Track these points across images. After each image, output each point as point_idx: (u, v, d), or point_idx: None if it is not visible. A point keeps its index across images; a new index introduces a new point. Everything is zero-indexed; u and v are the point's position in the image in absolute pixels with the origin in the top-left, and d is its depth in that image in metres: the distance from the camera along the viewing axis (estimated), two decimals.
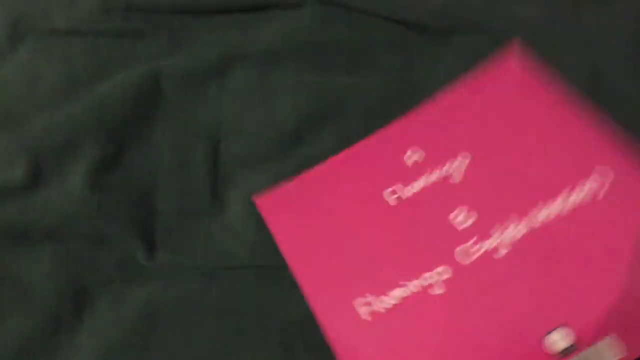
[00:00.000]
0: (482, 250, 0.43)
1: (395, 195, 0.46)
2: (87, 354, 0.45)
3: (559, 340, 0.39)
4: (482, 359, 0.40)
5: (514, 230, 0.43)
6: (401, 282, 0.43)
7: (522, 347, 0.40)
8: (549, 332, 0.39)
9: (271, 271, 0.45)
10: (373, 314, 0.42)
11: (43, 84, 0.55)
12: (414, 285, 0.42)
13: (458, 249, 0.43)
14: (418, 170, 0.47)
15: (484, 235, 0.43)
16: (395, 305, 0.42)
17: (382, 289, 0.43)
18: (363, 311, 0.42)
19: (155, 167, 0.50)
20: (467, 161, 0.47)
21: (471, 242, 0.43)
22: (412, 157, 0.48)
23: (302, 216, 0.47)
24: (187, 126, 0.52)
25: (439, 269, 0.42)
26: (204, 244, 0.48)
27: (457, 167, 0.47)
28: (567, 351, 0.39)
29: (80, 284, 0.47)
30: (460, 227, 0.44)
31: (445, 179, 0.46)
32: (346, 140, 0.49)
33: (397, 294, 0.42)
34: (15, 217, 0.49)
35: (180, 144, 0.51)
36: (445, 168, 0.47)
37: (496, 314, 0.41)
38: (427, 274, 0.42)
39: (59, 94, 0.54)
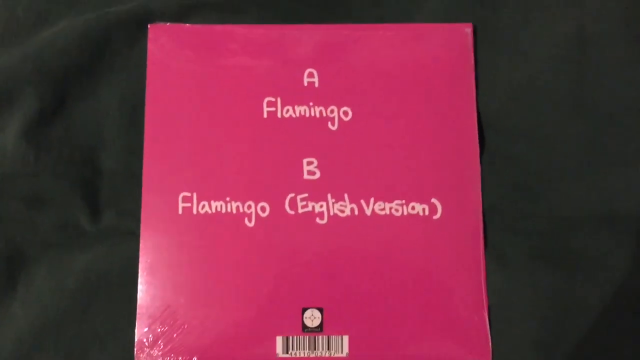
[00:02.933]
0: (308, 209, 0.44)
1: (271, 109, 0.46)
2: (21, 325, 0.44)
3: (309, 317, 0.42)
4: (248, 306, 0.44)
5: (343, 207, 0.44)
6: (227, 198, 0.45)
7: (281, 311, 0.44)
8: (306, 308, 0.42)
9: None
10: (186, 210, 0.45)
11: None
12: (234, 206, 0.45)
13: (290, 195, 0.44)
14: (308, 95, 0.47)
15: (318, 197, 0.44)
16: (208, 214, 0.45)
17: (207, 195, 0.45)
18: (180, 205, 0.45)
19: (100, 123, 0.47)
20: (349, 117, 0.45)
21: (304, 195, 0.44)
22: (310, 78, 0.47)
23: (183, 70, 0.47)
24: (137, 80, 0.47)
25: (262, 204, 0.44)
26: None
27: (339, 116, 0.45)
28: (312, 329, 0.42)
29: (16, 249, 0.45)
30: (304, 177, 0.44)
31: (325, 120, 0.46)
32: None
33: (217, 205, 0.45)
34: None
35: (129, 98, 0.47)
36: (329, 109, 0.45)
37: (277, 273, 0.44)
38: (250, 202, 0.44)
39: None
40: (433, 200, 0.45)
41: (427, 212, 0.45)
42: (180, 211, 0.45)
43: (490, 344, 0.44)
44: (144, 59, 0.48)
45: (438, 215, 0.45)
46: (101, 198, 0.46)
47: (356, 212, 0.45)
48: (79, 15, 0.48)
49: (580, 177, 0.45)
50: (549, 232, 0.45)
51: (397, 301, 0.44)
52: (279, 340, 0.44)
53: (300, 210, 0.45)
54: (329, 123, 0.46)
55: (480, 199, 0.45)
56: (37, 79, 0.47)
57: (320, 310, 0.44)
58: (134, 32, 0.48)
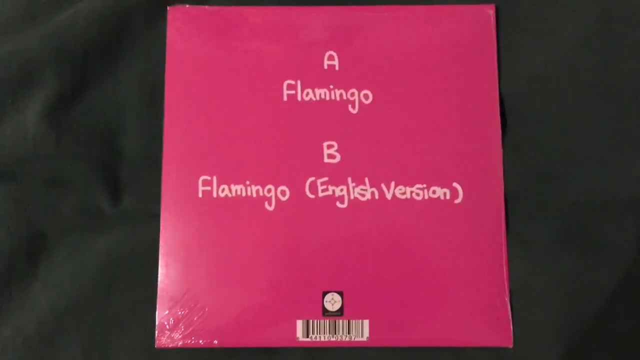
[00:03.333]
0: (329, 193, 0.44)
1: (291, 91, 0.46)
2: (43, 307, 0.44)
3: (329, 301, 0.42)
4: (268, 289, 0.44)
5: (364, 191, 0.43)
6: (247, 181, 0.45)
7: (302, 295, 0.44)
8: (326, 292, 0.42)
9: None
10: (206, 194, 0.45)
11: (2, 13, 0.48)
12: (254, 190, 0.44)
13: (310, 179, 0.44)
14: (328, 77, 0.46)
15: (338, 181, 0.44)
16: (228, 197, 0.45)
17: (227, 178, 0.45)
18: (200, 189, 0.45)
19: (120, 106, 0.47)
20: (370, 100, 0.45)
21: (325, 179, 0.44)
22: (330, 61, 0.46)
23: (202, 52, 0.47)
24: (156, 61, 0.47)
25: (282, 187, 0.44)
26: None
27: (359, 99, 0.45)
28: (333, 313, 0.42)
29: (37, 231, 0.45)
30: (325, 160, 0.44)
31: (345, 103, 0.45)
32: None
33: (237, 189, 0.45)
34: None
35: (149, 81, 0.47)
36: (350, 92, 0.45)
37: (297, 256, 0.44)
38: (270, 186, 0.44)
39: (16, 21, 0.48)
40: (454, 184, 0.45)
41: (448, 197, 0.45)
42: (200, 194, 0.45)
43: (511, 329, 0.43)
44: (163, 40, 0.47)
45: (459, 200, 0.45)
46: (121, 181, 0.46)
47: (377, 196, 0.45)
48: None
49: (604, 162, 0.45)
50: (571, 217, 0.45)
51: (418, 285, 0.44)
52: (300, 324, 0.44)
53: (320, 194, 0.45)
54: (350, 106, 0.46)
55: (502, 183, 0.45)
56: (56, 61, 0.47)
57: (341, 294, 0.44)
58: (153, 13, 0.48)
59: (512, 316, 0.44)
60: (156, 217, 0.45)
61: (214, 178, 0.45)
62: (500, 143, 0.45)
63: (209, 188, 0.45)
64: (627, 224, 0.44)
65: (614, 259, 0.44)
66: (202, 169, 0.46)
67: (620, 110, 0.45)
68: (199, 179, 0.45)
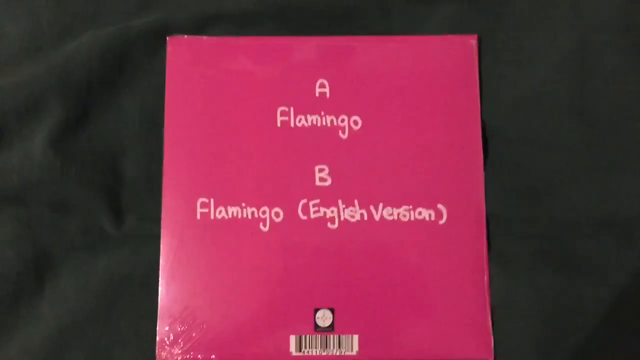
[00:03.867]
0: (320, 214, 0.46)
1: (285, 118, 0.49)
2: (49, 324, 0.46)
3: (321, 317, 0.44)
4: (263, 306, 0.47)
5: (353, 212, 0.46)
6: (242, 203, 0.47)
7: (295, 312, 0.46)
8: (318, 308, 0.45)
9: None
10: (204, 216, 0.47)
11: (6, 41, 0.51)
12: (249, 212, 0.47)
13: (302, 201, 0.46)
14: (320, 104, 0.49)
15: (329, 202, 0.46)
16: (225, 219, 0.47)
17: (224, 201, 0.48)
18: (198, 211, 0.47)
19: (122, 132, 0.49)
20: (359, 126, 0.47)
21: (316, 201, 0.46)
22: (322, 88, 0.49)
23: (200, 80, 0.50)
24: (156, 89, 0.50)
25: (276, 209, 0.46)
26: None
27: (349, 125, 0.48)
28: (324, 329, 0.44)
29: (43, 251, 0.48)
30: (317, 183, 0.47)
31: (336, 129, 0.48)
32: None
33: (233, 211, 0.47)
34: None
35: (149, 109, 0.50)
36: (340, 118, 0.48)
37: (290, 275, 0.47)
38: (264, 207, 0.47)
39: (22, 52, 0.51)
40: (439, 205, 0.47)
41: (433, 217, 0.47)
42: (198, 216, 0.48)
43: (492, 343, 0.46)
44: (163, 70, 0.50)
45: (444, 221, 0.47)
46: (123, 203, 0.49)
47: (365, 217, 0.47)
48: (101, 29, 0.51)
49: (581, 183, 0.47)
50: (550, 236, 0.47)
51: (404, 302, 0.46)
52: (293, 339, 0.46)
53: (312, 216, 0.48)
54: (340, 132, 0.49)
55: (484, 204, 0.47)
56: (62, 90, 0.49)
57: (332, 310, 0.46)
58: (153, 44, 0.50)
59: (493, 331, 0.46)
60: (156, 237, 0.47)
61: (212, 200, 0.48)
62: (482, 166, 0.48)
63: (206, 210, 0.48)
64: (604, 242, 0.47)
65: (592, 276, 0.46)
66: (200, 191, 0.48)
67: (596, 133, 0.48)
68: (197, 201, 0.48)
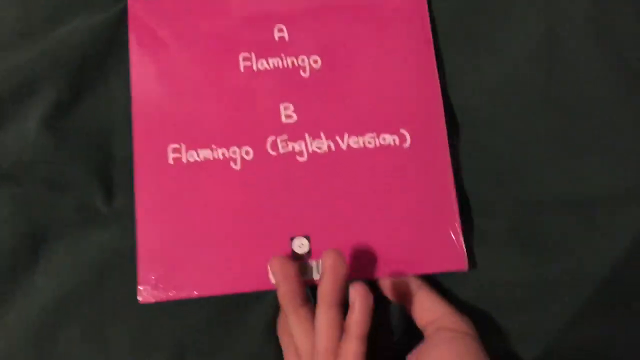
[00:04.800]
0: (289, 149, 0.48)
1: (247, 63, 0.50)
2: (44, 295, 0.48)
3: (298, 245, 0.45)
4: (241, 240, 0.48)
5: (320, 144, 0.47)
6: (212, 145, 0.48)
7: (272, 242, 0.48)
8: (294, 237, 0.46)
9: None
10: (176, 160, 0.48)
11: (0, 26, 0.53)
12: (220, 153, 0.48)
13: (270, 138, 0.48)
14: (280, 47, 0.51)
15: (297, 137, 0.48)
16: (197, 162, 0.48)
17: (194, 144, 0.49)
18: (170, 156, 0.49)
19: (112, 113, 0.51)
20: (319, 64, 0.49)
21: (284, 137, 0.48)
22: (280, 33, 0.51)
23: (164, 33, 0.51)
24: None
25: (246, 148, 0.48)
26: None
27: (310, 64, 0.49)
28: (301, 256, 0.46)
29: (38, 228, 0.49)
30: (283, 120, 0.48)
31: (297, 69, 0.50)
32: None
33: (204, 154, 0.48)
34: None
35: None
36: (300, 59, 0.49)
37: (265, 209, 0.48)
38: (234, 147, 0.48)
39: (15, 37, 0.53)
40: (402, 130, 0.49)
41: (397, 142, 0.49)
42: (170, 161, 0.49)
43: (465, 253, 0.48)
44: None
45: (408, 144, 0.49)
46: (114, 181, 0.50)
47: (333, 148, 0.49)
48: (91, 14, 0.53)
49: (548, 165, 0.49)
50: (518, 215, 0.49)
51: (377, 224, 0.48)
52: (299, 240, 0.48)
53: (281, 151, 0.49)
54: (301, 71, 0.51)
55: (444, 126, 0.50)
56: (54, 73, 0.51)
57: (308, 238, 0.48)
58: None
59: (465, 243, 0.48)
60: None
61: (182, 145, 0.49)
62: (439, 90, 0.50)
63: (178, 155, 0.49)
64: (568, 220, 0.48)
65: (556, 252, 0.48)
66: (171, 138, 0.49)
67: (562, 119, 0.49)
68: (168, 147, 0.49)
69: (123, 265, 0.48)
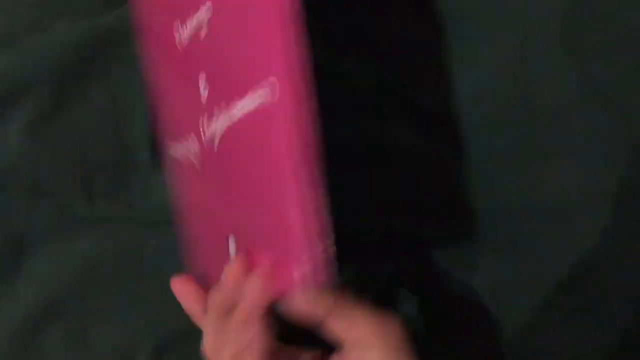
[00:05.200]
0: (210, 133, 0.41)
1: (178, 33, 0.43)
2: (25, 301, 0.49)
3: (231, 244, 0.41)
4: (200, 240, 0.44)
5: (222, 121, 0.40)
6: (180, 139, 0.45)
7: (219, 241, 0.42)
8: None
9: None
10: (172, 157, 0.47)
11: None
12: (184, 147, 0.44)
13: (201, 120, 0.42)
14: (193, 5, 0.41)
15: (210, 115, 0.41)
16: (176, 158, 0.46)
17: (172, 140, 0.46)
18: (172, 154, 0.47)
19: (95, 121, 0.51)
20: (209, 16, 0.40)
21: (205, 117, 0.42)
22: None
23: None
24: (128, 82, 0.51)
25: (191, 136, 0.43)
26: (142, 197, 0.50)
27: (202, 20, 0.40)
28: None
29: (20, 234, 0.50)
30: (202, 96, 0.41)
31: (197, 31, 0.41)
32: None
33: (178, 149, 0.46)
34: None
35: (120, 98, 0.51)
36: (196, 17, 0.41)
37: (208, 204, 0.43)
38: (188, 137, 0.43)
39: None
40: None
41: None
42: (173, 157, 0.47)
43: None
44: (134, 61, 0.50)
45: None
46: (95, 187, 0.51)
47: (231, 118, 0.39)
48: (73, 23, 0.53)
49: (517, 171, 0.48)
50: (490, 221, 0.48)
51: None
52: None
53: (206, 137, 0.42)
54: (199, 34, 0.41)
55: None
56: (37, 80, 0.52)
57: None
58: (123, 37, 0.51)
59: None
60: (127, 220, 0.50)
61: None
62: None
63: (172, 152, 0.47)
64: (539, 226, 0.47)
65: (526, 257, 0.47)
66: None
67: (533, 127, 0.48)
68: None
69: (103, 273, 0.50)
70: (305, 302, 0.35)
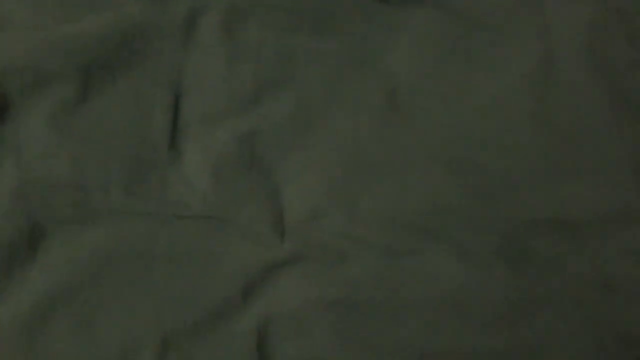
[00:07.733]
0: None
1: None
2: (39, 287, 0.51)
3: None
4: None
5: None
6: None
7: None
8: None
9: (223, 222, 0.47)
10: None
11: (12, 25, 0.54)
12: None
13: None
14: None
15: None
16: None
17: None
18: None
19: (116, 114, 0.51)
20: None
21: None
22: None
23: None
24: (151, 77, 0.51)
25: None
26: (159, 191, 0.49)
27: None
28: None
29: (37, 223, 0.49)
30: None
31: None
32: (301, 102, 0.51)
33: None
34: None
35: (143, 93, 0.51)
36: None
37: None
38: None
39: (27, 35, 0.53)
40: None
41: None
42: None
43: None
44: (157, 55, 0.52)
45: None
46: (112, 180, 0.51)
47: None
48: (100, 14, 0.55)
49: (538, 186, 0.48)
50: (507, 234, 0.48)
51: None
52: None
53: None
54: None
55: None
56: (62, 71, 0.52)
57: None
58: (148, 32, 0.53)
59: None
60: (141, 214, 0.50)
61: None
62: None
63: None
64: (555, 241, 0.47)
65: (543, 272, 0.46)
66: None
67: (553, 141, 0.48)
68: None
69: (115, 262, 0.49)
70: None
